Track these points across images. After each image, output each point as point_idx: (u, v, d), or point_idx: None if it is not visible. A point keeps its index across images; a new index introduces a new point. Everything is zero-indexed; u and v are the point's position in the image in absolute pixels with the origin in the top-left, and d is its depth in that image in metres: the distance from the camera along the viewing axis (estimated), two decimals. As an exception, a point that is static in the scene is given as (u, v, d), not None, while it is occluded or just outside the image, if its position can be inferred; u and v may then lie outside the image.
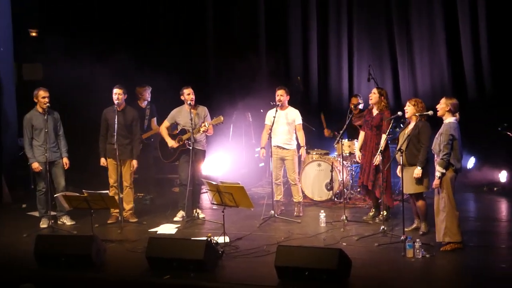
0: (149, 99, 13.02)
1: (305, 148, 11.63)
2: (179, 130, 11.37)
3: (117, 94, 11.12)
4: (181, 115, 11.35)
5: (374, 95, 10.83)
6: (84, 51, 13.52)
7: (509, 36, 12.99)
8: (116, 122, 11.00)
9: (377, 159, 10.25)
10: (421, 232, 9.99)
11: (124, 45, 14.69)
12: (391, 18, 14.30)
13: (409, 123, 9.91)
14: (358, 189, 12.06)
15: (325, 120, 13.40)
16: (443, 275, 8.70)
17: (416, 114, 9.78)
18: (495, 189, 12.90)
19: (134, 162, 11.32)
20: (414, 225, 10.24)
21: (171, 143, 11.32)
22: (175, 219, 11.30)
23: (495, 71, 13.17)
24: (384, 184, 10.60)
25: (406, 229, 9.70)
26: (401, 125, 10.30)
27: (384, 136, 10.30)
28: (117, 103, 11.12)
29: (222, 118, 11.29)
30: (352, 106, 12.28)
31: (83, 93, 13.66)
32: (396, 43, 14.28)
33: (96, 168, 11.61)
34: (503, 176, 12.89)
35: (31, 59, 14.60)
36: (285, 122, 11.37)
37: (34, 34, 14.86)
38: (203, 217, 11.44)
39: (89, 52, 13.56)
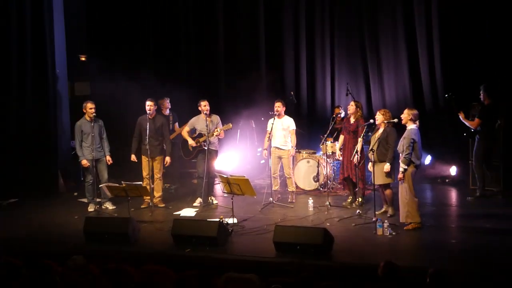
0: (169, 107, 13.05)
1: (295, 148, 11.60)
2: (197, 134, 11.37)
3: (149, 105, 11.13)
4: (199, 122, 11.35)
5: (351, 107, 10.90)
6: (119, 71, 13.49)
7: (458, 58, 12.95)
8: (148, 128, 11.01)
9: (355, 157, 10.26)
10: (388, 215, 10.01)
11: (150, 65, 14.73)
12: (364, 45, 14.23)
13: (379, 128, 9.93)
14: (339, 181, 12.04)
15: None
16: (406, 248, 8.78)
17: (385, 121, 9.82)
18: (447, 180, 12.85)
19: (168, 159, 11.35)
20: (383, 209, 10.24)
21: (191, 141, 11.32)
22: (194, 204, 11.29)
23: (447, 87, 13.13)
24: (362, 176, 10.72)
25: (376, 212, 9.75)
26: (372, 130, 10.30)
27: (360, 140, 10.32)
28: (149, 112, 11.12)
29: (231, 125, 11.36)
30: (335, 115, 12.24)
31: (118, 105, 13.65)
32: (369, 65, 14.21)
33: (129, 163, 11.62)
34: (453, 170, 12.85)
35: (81, 78, 14.60)
36: (281, 128, 11.36)
37: (83, 58, 14.87)
38: (216, 203, 11.43)
39: (122, 72, 13.52)
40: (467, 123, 11.32)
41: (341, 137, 11.14)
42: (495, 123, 11.31)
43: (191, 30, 15.23)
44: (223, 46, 15.10)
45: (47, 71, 12.81)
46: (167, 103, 13.00)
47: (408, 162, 9.13)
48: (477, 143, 11.30)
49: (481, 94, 11.30)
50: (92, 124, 11.05)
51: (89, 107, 11.07)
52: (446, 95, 11.66)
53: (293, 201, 11.45)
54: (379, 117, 9.89)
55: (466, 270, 7.52)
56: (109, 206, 11.31)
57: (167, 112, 13.01)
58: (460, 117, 11.34)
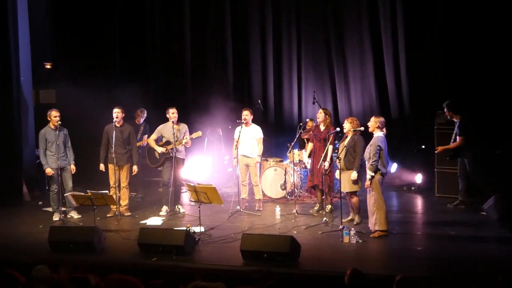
0: (143, 119, 12.91)
1: (260, 156, 11.55)
2: (164, 141, 11.31)
3: (117, 113, 11.02)
4: (166, 130, 11.28)
5: (321, 115, 10.97)
6: (84, 79, 13.34)
7: (423, 69, 13.11)
8: (115, 136, 10.89)
9: (326, 165, 10.36)
10: (355, 223, 10.05)
11: (116, 73, 14.72)
12: (331, 54, 14.34)
13: (347, 136, 9.98)
14: (306, 189, 12.08)
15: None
16: (373, 256, 8.83)
17: (352, 129, 9.87)
18: (412, 188, 12.97)
19: (135, 168, 11.25)
20: (350, 217, 10.28)
21: (160, 149, 11.22)
22: (161, 213, 11.20)
23: (412, 96, 13.29)
24: (330, 183, 10.81)
25: (343, 220, 9.79)
26: (340, 138, 10.36)
27: (330, 147, 10.41)
28: (116, 120, 11.01)
29: (201, 133, 11.41)
30: (302, 124, 12.23)
31: (84, 113, 13.50)
32: (335, 73, 14.32)
33: (95, 172, 11.52)
34: (418, 178, 12.97)
35: (46, 86, 14.43)
36: (249, 136, 11.35)
37: (48, 66, 14.70)
38: (183, 212, 11.36)
39: (87, 80, 13.36)
40: (451, 147, 11.07)
41: (310, 145, 11.18)
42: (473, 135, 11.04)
43: (158, 39, 15.22)
44: (190, 55, 15.10)
45: (11, 78, 12.65)
46: (141, 117, 12.82)
47: (375, 169, 9.18)
48: (470, 162, 11.01)
49: (446, 112, 11.24)
50: (57, 132, 10.90)
51: (54, 115, 10.91)
52: (418, 149, 11.58)
53: (260, 209, 11.43)
54: (346, 126, 9.94)
55: (432, 277, 7.59)
56: (74, 215, 11.17)
57: (141, 121, 12.92)
58: (439, 150, 11.22)
